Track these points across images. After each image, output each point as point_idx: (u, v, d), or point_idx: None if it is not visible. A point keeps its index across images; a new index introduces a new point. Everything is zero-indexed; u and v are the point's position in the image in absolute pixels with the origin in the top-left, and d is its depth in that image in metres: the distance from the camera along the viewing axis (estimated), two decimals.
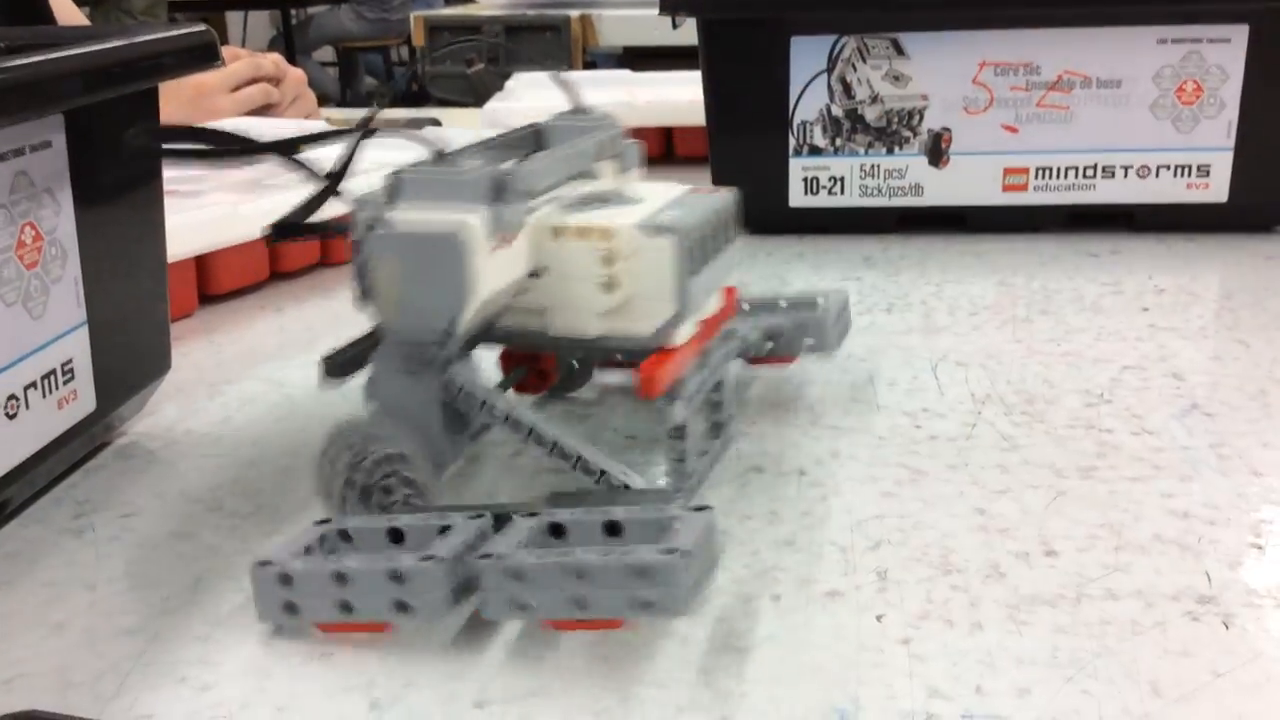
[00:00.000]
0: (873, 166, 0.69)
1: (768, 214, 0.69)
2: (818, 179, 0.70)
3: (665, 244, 0.34)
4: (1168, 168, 0.67)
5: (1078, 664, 0.29)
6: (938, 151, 0.69)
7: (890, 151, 0.69)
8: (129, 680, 0.29)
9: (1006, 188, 0.68)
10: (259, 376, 0.50)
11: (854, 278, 0.62)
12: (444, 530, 0.31)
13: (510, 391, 0.42)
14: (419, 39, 2.05)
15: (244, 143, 0.41)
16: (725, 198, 0.38)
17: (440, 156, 0.34)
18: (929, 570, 0.33)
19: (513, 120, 0.93)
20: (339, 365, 0.37)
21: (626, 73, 1.12)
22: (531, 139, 0.40)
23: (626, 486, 0.33)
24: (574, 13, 1.93)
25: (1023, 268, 0.63)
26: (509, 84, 1.07)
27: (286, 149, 0.39)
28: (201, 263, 0.58)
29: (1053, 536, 0.35)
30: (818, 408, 0.44)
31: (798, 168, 0.70)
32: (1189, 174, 0.67)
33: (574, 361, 0.45)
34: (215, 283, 0.59)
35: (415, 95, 2.37)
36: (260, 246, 0.60)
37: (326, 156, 0.38)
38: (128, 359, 0.43)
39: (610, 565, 0.28)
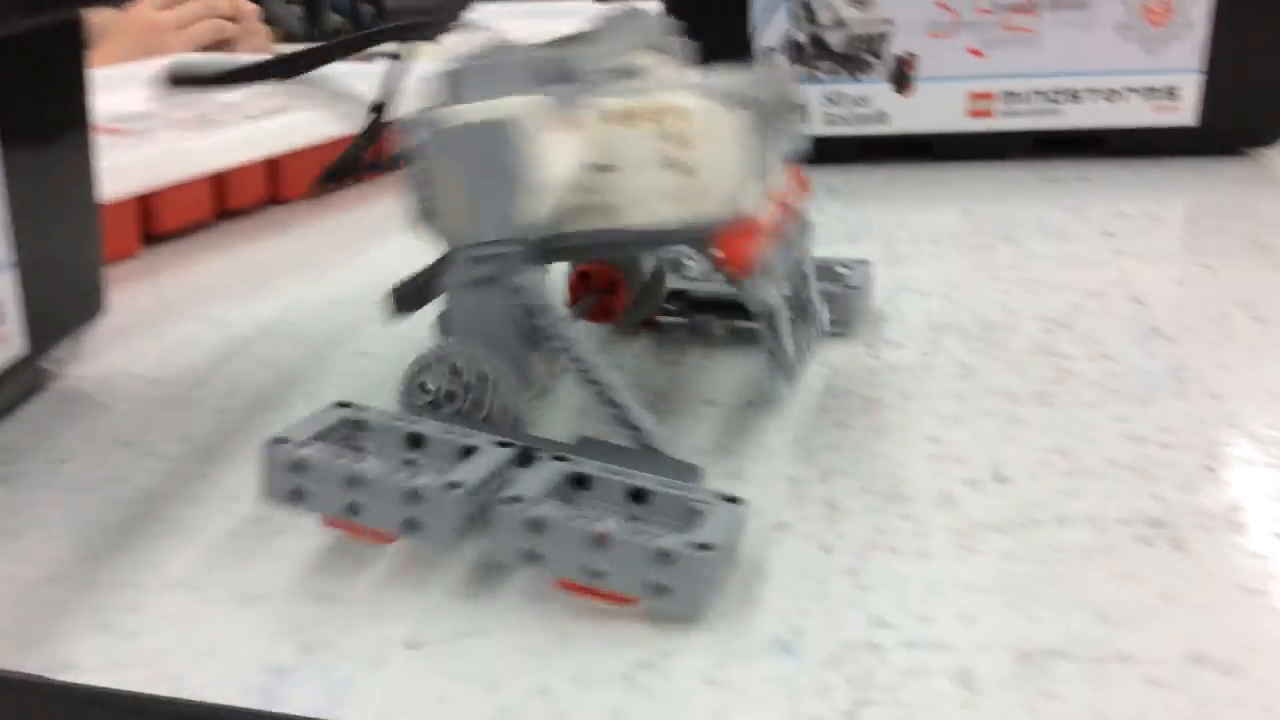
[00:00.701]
0: (837, 94, 0.68)
1: None
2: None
3: (738, 116, 0.32)
4: (1135, 90, 0.66)
5: (1025, 590, 0.28)
6: (903, 77, 0.67)
7: (854, 78, 0.67)
8: (51, 629, 0.28)
9: (972, 113, 0.67)
10: (203, 317, 0.48)
11: (817, 209, 0.60)
12: (467, 452, 0.30)
13: (581, 321, 0.41)
14: None
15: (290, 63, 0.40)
16: (785, 73, 0.36)
17: (494, 50, 0.32)
18: (879, 500, 0.32)
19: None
20: (407, 297, 0.35)
21: (587, 1, 1.09)
22: (582, 39, 0.38)
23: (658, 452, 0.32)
24: None
25: (987, 195, 0.62)
26: (471, 15, 1.04)
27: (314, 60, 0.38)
28: (145, 202, 0.56)
29: (1005, 463, 0.34)
30: None
31: None
32: (1157, 97, 0.66)
33: (644, 279, 0.42)
34: (159, 222, 0.57)
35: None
36: (205, 185, 0.59)
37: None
38: (60, 301, 0.41)
39: (634, 545, 0.27)
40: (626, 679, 0.26)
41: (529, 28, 0.95)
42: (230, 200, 0.61)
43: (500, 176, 0.30)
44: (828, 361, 0.41)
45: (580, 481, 0.30)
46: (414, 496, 0.28)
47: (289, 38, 1.62)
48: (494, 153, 0.30)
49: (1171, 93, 0.66)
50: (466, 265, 0.32)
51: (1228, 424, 0.36)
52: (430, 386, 0.33)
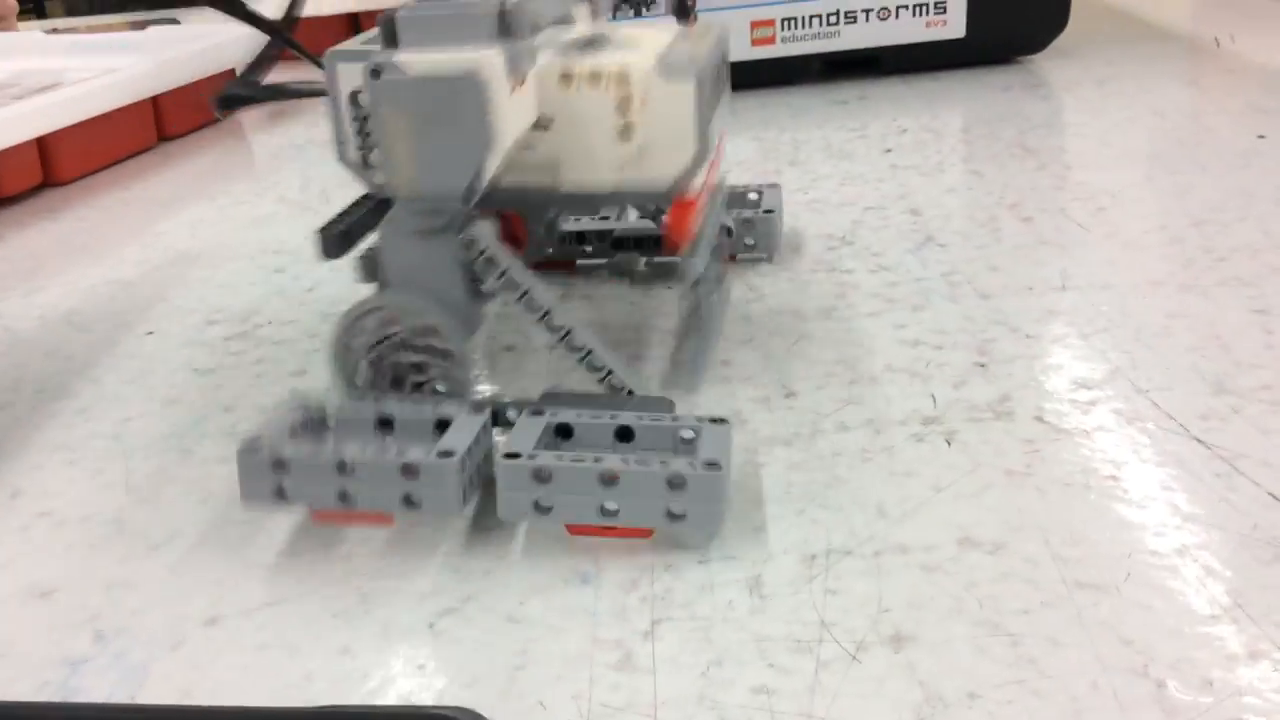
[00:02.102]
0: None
1: None
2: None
3: (685, 87, 0.31)
4: (907, 7, 0.68)
5: (809, 496, 0.29)
6: (684, 9, 0.68)
7: (638, 13, 0.68)
8: None
9: (755, 41, 0.68)
10: None
11: None
12: (440, 424, 0.30)
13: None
14: None
15: None
16: (720, 34, 0.35)
17: None
18: None
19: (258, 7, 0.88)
20: (336, 238, 0.33)
21: None
22: None
23: (630, 392, 0.32)
24: None
25: (775, 121, 0.63)
26: None
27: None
28: None
29: (792, 379, 0.35)
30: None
31: None
32: (927, 12, 0.68)
33: (541, 227, 0.42)
34: None
35: None
36: None
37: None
38: None
39: (644, 475, 0.27)
40: (430, 628, 0.26)
41: None
42: (1, 187, 0.58)
43: (458, 130, 0.29)
44: (619, 295, 0.42)
45: (563, 431, 0.30)
46: (409, 472, 0.28)
47: (71, 11, 1.53)
48: (454, 106, 0.29)
49: (940, 7, 0.68)
50: (414, 216, 0.31)
51: (995, 321, 0.38)
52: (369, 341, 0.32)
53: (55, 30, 1.04)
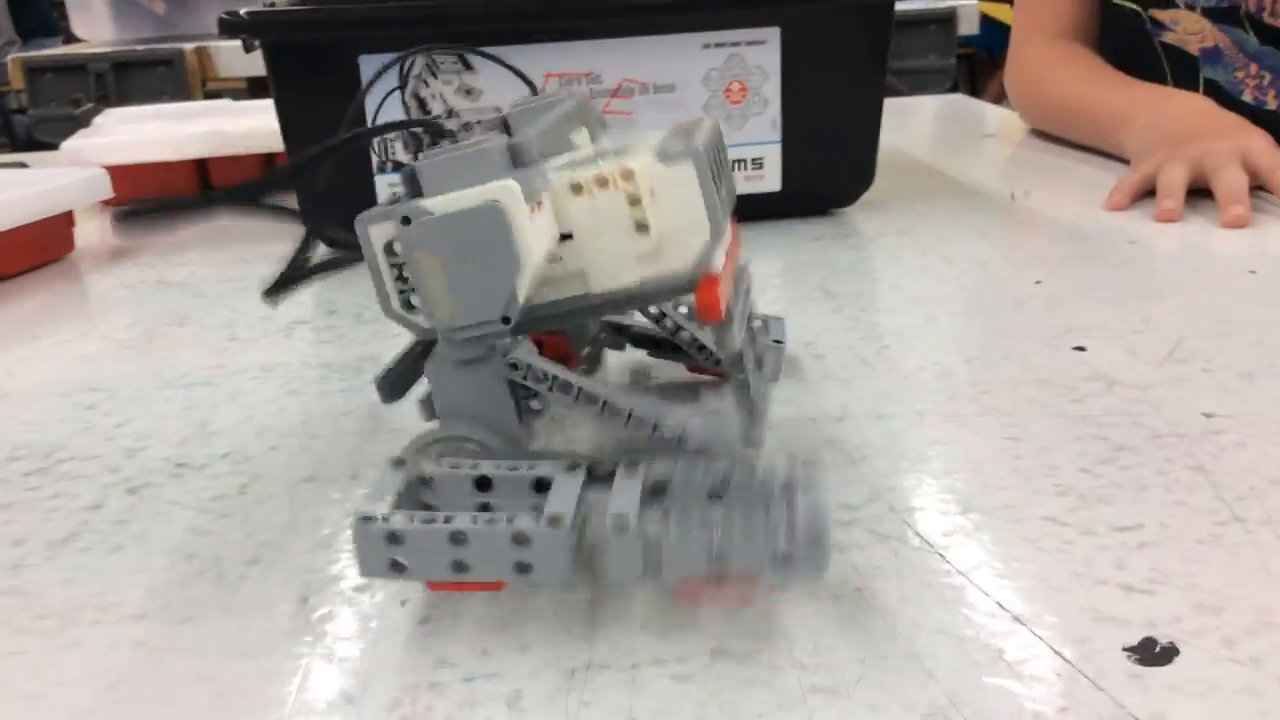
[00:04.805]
0: None
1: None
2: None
3: (686, 169, 0.33)
4: None
5: (578, 614, 0.31)
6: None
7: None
8: None
9: None
10: None
11: None
12: (539, 484, 0.31)
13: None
14: (18, 82, 1.91)
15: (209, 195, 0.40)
16: (713, 126, 0.37)
17: (442, 135, 0.33)
18: None
19: (101, 156, 0.89)
20: (393, 383, 0.35)
21: (226, 102, 1.09)
22: (500, 124, 0.37)
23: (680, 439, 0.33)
24: (189, 46, 1.86)
25: None
26: (97, 119, 1.02)
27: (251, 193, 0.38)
28: None
29: None
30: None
31: (384, 184, 0.71)
32: (746, 167, 0.73)
33: (590, 342, 0.44)
34: None
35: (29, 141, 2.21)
36: None
37: None
38: None
39: (754, 521, 0.28)
40: None
41: (163, 130, 0.94)
42: None
43: (488, 258, 0.31)
44: None
45: (655, 490, 0.30)
46: (521, 540, 0.28)
47: None
48: (481, 237, 0.30)
49: (757, 163, 0.73)
50: (457, 347, 0.33)
51: (776, 450, 0.40)
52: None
53: None
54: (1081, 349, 0.49)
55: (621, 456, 0.32)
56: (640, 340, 0.46)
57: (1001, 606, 0.30)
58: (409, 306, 0.33)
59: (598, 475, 0.32)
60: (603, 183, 0.33)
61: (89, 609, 0.32)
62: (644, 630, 0.30)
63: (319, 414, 0.46)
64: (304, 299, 0.62)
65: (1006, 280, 0.60)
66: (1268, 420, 0.41)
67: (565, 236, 0.33)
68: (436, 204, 0.31)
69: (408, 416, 0.45)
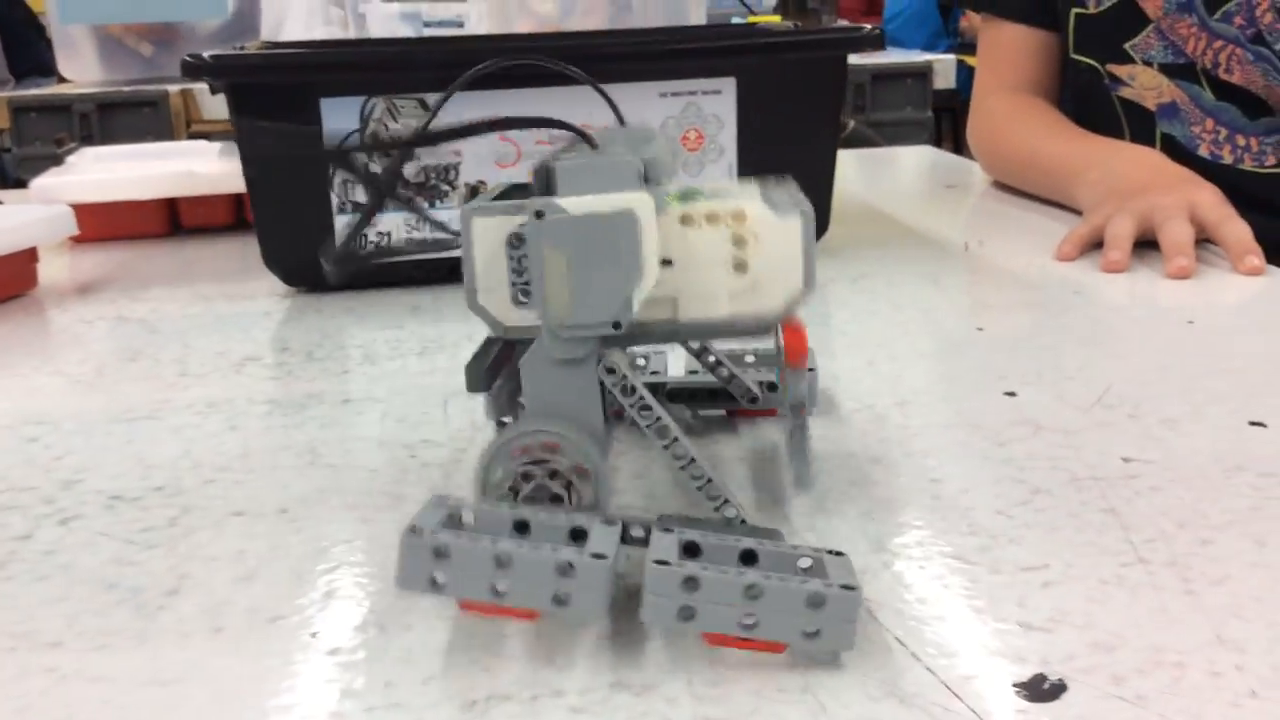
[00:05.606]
0: (418, 220, 0.72)
1: (318, 272, 0.70)
2: (365, 234, 0.72)
3: (795, 223, 0.35)
4: None
5: (484, 646, 0.31)
6: None
7: (432, 205, 0.72)
8: None
9: None
10: None
11: (395, 326, 0.64)
12: (575, 533, 0.31)
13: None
14: (3, 121, 1.92)
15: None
16: (796, 186, 0.39)
17: (585, 142, 0.35)
18: None
19: (69, 195, 0.90)
20: (482, 376, 0.36)
21: (202, 143, 1.10)
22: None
23: (743, 520, 0.34)
24: (174, 87, 1.87)
25: None
26: (70, 158, 1.03)
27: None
28: None
29: None
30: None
31: (343, 224, 0.71)
32: None
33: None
34: None
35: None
36: None
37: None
38: None
39: (788, 590, 0.29)
40: None
41: (133, 169, 0.95)
42: None
43: (613, 264, 0.32)
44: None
45: (691, 550, 0.32)
46: (565, 570, 0.29)
47: None
48: (611, 242, 0.32)
49: None
50: (561, 345, 0.34)
51: None
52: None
53: None
54: (1013, 394, 0.49)
55: (655, 520, 0.34)
56: (676, 395, 0.47)
57: (900, 641, 0.31)
58: (515, 301, 0.34)
59: (634, 536, 0.33)
60: (713, 219, 0.35)
61: (4, 636, 0.33)
62: (549, 663, 0.30)
63: (258, 449, 0.46)
64: (259, 335, 0.63)
65: (949, 326, 0.61)
66: (1184, 465, 0.42)
67: (665, 262, 0.35)
68: (572, 204, 0.33)
69: (343, 452, 0.45)
